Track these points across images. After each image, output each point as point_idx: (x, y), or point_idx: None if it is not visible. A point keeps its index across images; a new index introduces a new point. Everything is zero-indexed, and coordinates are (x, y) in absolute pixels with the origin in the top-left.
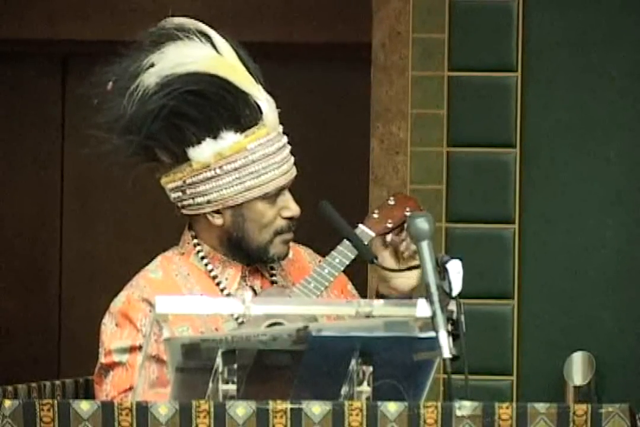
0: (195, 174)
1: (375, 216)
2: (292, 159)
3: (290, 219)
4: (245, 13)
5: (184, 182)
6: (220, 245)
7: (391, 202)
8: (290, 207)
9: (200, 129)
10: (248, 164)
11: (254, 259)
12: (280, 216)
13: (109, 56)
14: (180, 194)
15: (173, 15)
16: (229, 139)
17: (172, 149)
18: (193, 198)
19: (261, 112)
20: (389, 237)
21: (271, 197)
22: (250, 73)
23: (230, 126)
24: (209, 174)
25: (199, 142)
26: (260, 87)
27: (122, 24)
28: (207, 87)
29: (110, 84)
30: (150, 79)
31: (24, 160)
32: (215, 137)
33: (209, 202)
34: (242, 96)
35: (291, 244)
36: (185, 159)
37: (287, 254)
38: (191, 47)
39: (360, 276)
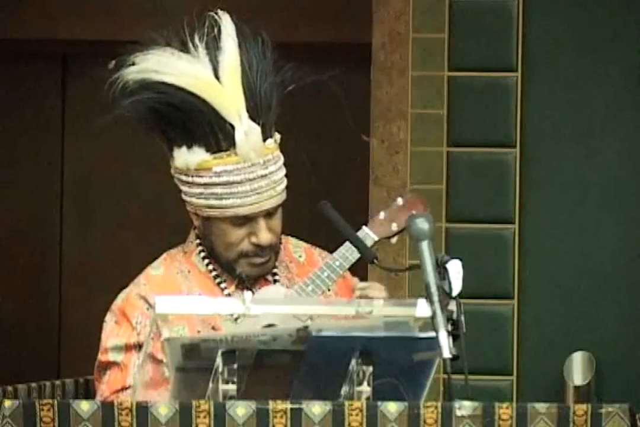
0: (177, 172)
1: (381, 217)
2: (269, 193)
3: (258, 245)
4: (245, 13)
5: (173, 173)
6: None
7: (399, 203)
8: (259, 235)
9: (178, 135)
10: (213, 184)
11: (225, 271)
12: (248, 239)
13: (108, 56)
14: (176, 180)
15: (182, 15)
16: (199, 155)
17: (163, 141)
18: (180, 191)
19: (234, 142)
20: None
21: (237, 222)
22: (256, 94)
23: (201, 143)
24: (183, 178)
25: (178, 146)
26: (245, 115)
27: (121, 23)
28: (177, 102)
29: (113, 62)
30: (129, 76)
31: (24, 160)
32: (189, 148)
33: (185, 202)
34: (216, 120)
35: (305, 245)
36: (172, 154)
37: (261, 275)
38: (179, 58)
39: (361, 276)
